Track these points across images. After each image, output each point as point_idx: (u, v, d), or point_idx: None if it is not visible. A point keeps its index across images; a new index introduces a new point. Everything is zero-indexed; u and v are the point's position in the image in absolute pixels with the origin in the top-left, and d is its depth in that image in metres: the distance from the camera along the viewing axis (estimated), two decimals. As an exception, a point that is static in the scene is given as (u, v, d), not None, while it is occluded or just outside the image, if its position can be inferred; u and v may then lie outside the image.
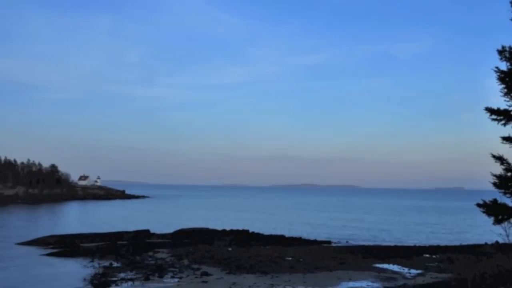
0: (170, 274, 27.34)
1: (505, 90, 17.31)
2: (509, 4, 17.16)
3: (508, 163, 17.15)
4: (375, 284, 24.82)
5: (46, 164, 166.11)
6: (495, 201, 17.41)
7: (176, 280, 25.76)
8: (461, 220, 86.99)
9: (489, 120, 17.63)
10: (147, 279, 25.98)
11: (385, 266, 31.28)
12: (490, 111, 17.57)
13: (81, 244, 41.84)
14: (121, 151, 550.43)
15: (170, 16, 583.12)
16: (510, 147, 17.43)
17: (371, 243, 47.53)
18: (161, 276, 26.70)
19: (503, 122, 17.48)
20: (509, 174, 17.16)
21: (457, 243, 47.54)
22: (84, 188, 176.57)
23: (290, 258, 33.74)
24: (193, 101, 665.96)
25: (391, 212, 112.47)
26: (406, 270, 29.71)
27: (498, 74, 17.32)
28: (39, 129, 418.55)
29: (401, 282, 25.16)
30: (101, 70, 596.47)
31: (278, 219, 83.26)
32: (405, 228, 68.69)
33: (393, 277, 26.86)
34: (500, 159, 17.23)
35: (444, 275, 25.55)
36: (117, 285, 24.70)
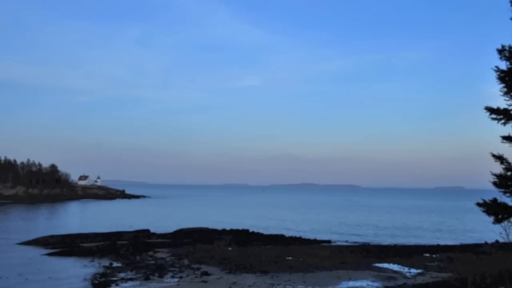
0: (170, 274, 27.35)
1: (505, 89, 17.30)
2: (509, 4, 17.16)
3: (508, 163, 17.13)
4: (375, 284, 24.82)
5: (46, 164, 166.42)
6: (495, 200, 17.39)
7: (176, 280, 25.77)
8: (461, 220, 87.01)
9: (489, 120, 17.62)
10: (147, 279, 25.99)
11: (385, 265, 31.29)
12: (490, 110, 17.55)
13: (81, 244, 41.85)
14: (122, 151, 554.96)
15: (197, 28, 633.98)
16: (510, 147, 17.41)
17: (371, 243, 47.53)
18: (161, 276, 26.71)
19: (503, 121, 17.45)
20: (509, 173, 17.14)
21: (457, 242, 47.55)
22: (84, 188, 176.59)
23: (290, 258, 33.75)
24: (205, 104, 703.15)
25: (391, 212, 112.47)
26: (406, 269, 29.71)
27: (498, 73, 17.30)
28: (45, 130, 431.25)
29: (401, 281, 25.16)
30: (124, 76, 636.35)
31: (278, 219, 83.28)
32: (405, 228, 68.70)
33: (393, 277, 26.87)
34: (500, 158, 17.21)
35: (444, 275, 25.57)
36: (117, 285, 24.71)
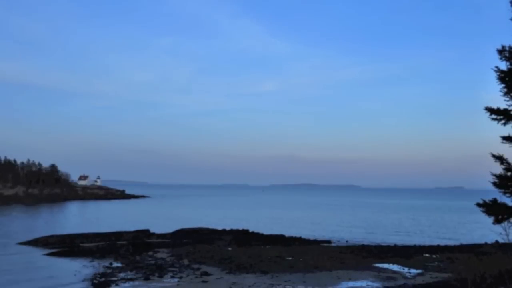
0: (170, 274, 27.34)
1: (505, 89, 17.32)
2: (509, 4, 17.17)
3: (508, 163, 17.15)
4: (375, 284, 24.82)
5: (46, 164, 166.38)
6: (495, 200, 17.42)
7: (176, 280, 25.76)
8: (461, 220, 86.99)
9: (489, 120, 17.64)
10: (147, 279, 26.00)
11: (385, 265, 31.28)
12: (490, 110, 17.57)
13: (81, 244, 41.84)
14: (122, 151, 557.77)
15: (224, 39, 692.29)
16: (510, 147, 17.44)
17: (371, 243, 47.51)
18: (161, 276, 26.70)
19: (503, 121, 17.48)
20: (509, 173, 17.17)
21: (457, 243, 47.52)
22: (84, 188, 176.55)
23: (290, 258, 33.73)
24: (220, 108, 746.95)
25: (391, 212, 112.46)
26: (406, 269, 29.71)
27: (498, 73, 17.32)
28: (52, 132, 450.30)
29: (401, 281, 25.16)
30: (148, 81, 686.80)
31: (278, 219, 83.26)
32: (405, 228, 68.68)
33: (393, 277, 26.86)
34: (500, 158, 17.23)
35: (444, 275, 25.55)
36: (117, 285, 24.71)
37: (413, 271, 29.11)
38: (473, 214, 75.69)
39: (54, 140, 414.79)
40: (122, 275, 27.29)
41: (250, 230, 55.08)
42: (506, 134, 17.45)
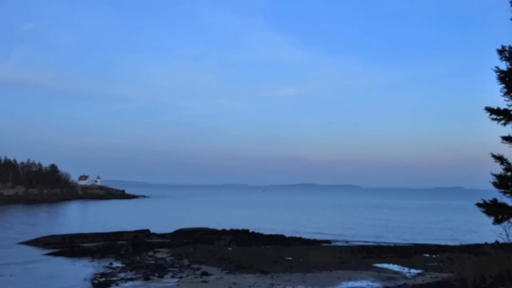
0: (170, 274, 27.34)
1: (505, 89, 17.31)
2: (509, 4, 17.17)
3: (508, 163, 17.14)
4: (375, 284, 24.82)
5: (46, 164, 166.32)
6: (495, 200, 17.40)
7: (176, 280, 25.76)
8: (461, 220, 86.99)
9: (489, 120, 17.63)
10: (147, 279, 26.00)
11: (385, 265, 31.28)
12: (490, 110, 17.56)
13: (81, 244, 41.87)
14: (123, 151, 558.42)
15: (248, 49, 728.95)
16: (510, 147, 17.42)
17: (371, 243, 47.52)
18: (161, 276, 26.70)
19: (503, 121, 17.47)
20: (509, 173, 17.15)
21: (457, 243, 47.44)
22: (84, 188, 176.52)
23: (290, 258, 33.72)
24: (234, 112, 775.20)
25: (391, 212, 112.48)
26: (406, 269, 29.71)
27: (498, 73, 17.31)
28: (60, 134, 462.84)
29: (401, 281, 25.15)
30: (174, 87, 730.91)
31: (278, 218, 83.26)
32: (405, 228, 68.69)
33: (393, 277, 26.86)
34: (500, 158, 17.22)
35: (444, 275, 25.54)
36: (117, 285, 24.71)
37: (413, 271, 29.11)
38: (473, 214, 75.70)
39: (55, 141, 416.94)
40: (122, 275, 27.29)
41: (250, 230, 55.08)
42: (506, 134, 17.44)
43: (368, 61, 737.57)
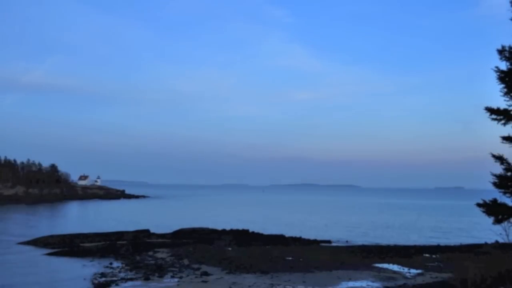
0: (170, 274, 27.34)
1: (505, 89, 17.30)
2: (509, 4, 17.16)
3: (508, 163, 17.13)
4: (375, 284, 24.82)
5: (46, 164, 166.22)
6: (495, 200, 17.40)
7: (176, 280, 25.75)
8: (461, 220, 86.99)
9: (489, 120, 17.63)
10: (147, 279, 25.99)
11: (385, 265, 31.29)
12: (490, 110, 17.55)
13: (81, 244, 41.87)
14: (123, 151, 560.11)
15: (271, 59, 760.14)
16: (510, 147, 17.42)
17: (371, 243, 47.51)
18: (161, 276, 26.71)
19: (503, 121, 17.46)
20: (509, 173, 17.15)
21: (457, 243, 47.51)
22: (84, 188, 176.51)
23: (290, 258, 33.73)
24: (246, 115, 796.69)
25: (391, 212, 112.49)
26: (406, 269, 29.71)
27: (498, 73, 17.31)
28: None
29: (401, 281, 25.16)
30: (198, 91, 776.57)
31: (278, 219, 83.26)
32: (405, 228, 68.70)
33: (393, 277, 26.86)
34: (500, 159, 17.22)
35: (444, 275, 25.57)
36: (117, 285, 24.71)
37: (413, 271, 29.11)
38: (473, 214, 75.72)
39: (55, 141, 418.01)
40: (122, 275, 27.30)
41: (250, 230, 55.10)
42: (506, 134, 17.44)
43: (377, 70, 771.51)
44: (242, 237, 49.29)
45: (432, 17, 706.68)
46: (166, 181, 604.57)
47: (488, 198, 17.69)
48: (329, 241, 49.09)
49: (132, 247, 39.60)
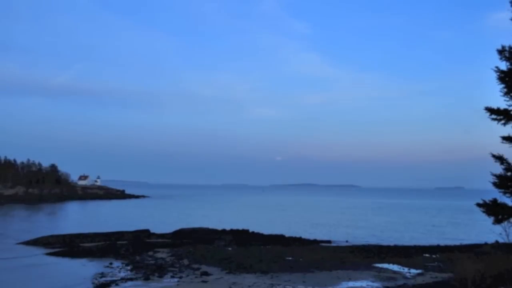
0: (170, 274, 27.35)
1: (505, 89, 17.32)
2: (509, 4, 17.18)
3: (508, 163, 17.15)
4: (375, 284, 24.82)
5: (46, 164, 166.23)
6: (495, 200, 17.42)
7: (176, 280, 25.76)
8: (461, 220, 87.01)
9: (489, 120, 17.64)
10: (147, 279, 26.00)
11: (385, 265, 31.28)
12: (490, 110, 17.58)
13: (81, 244, 41.87)
14: (123, 151, 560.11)
15: (287, 66, 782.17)
16: (510, 147, 17.44)
17: (371, 243, 47.51)
18: (161, 276, 26.72)
19: (503, 121, 17.49)
20: (509, 173, 17.17)
21: (457, 243, 47.52)
22: (84, 188, 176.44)
23: (290, 258, 33.74)
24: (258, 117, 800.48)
25: (391, 212, 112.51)
26: (406, 269, 29.71)
27: (498, 73, 17.33)
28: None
29: (401, 281, 25.16)
30: (213, 95, 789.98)
31: (278, 219, 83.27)
32: (405, 228, 68.71)
33: (393, 277, 26.86)
34: (500, 158, 17.24)
35: (444, 275, 25.56)
36: (117, 284, 24.71)
37: (413, 271, 29.11)
38: (473, 214, 75.72)
39: (55, 141, 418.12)
40: (122, 275, 27.31)
41: (250, 230, 55.12)
42: (506, 134, 17.45)
43: (383, 77, 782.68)
44: (242, 237, 49.31)
45: (440, 30, 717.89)
46: (166, 181, 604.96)
47: (488, 198, 17.71)
48: (329, 241, 49.10)
49: (132, 247, 39.60)
